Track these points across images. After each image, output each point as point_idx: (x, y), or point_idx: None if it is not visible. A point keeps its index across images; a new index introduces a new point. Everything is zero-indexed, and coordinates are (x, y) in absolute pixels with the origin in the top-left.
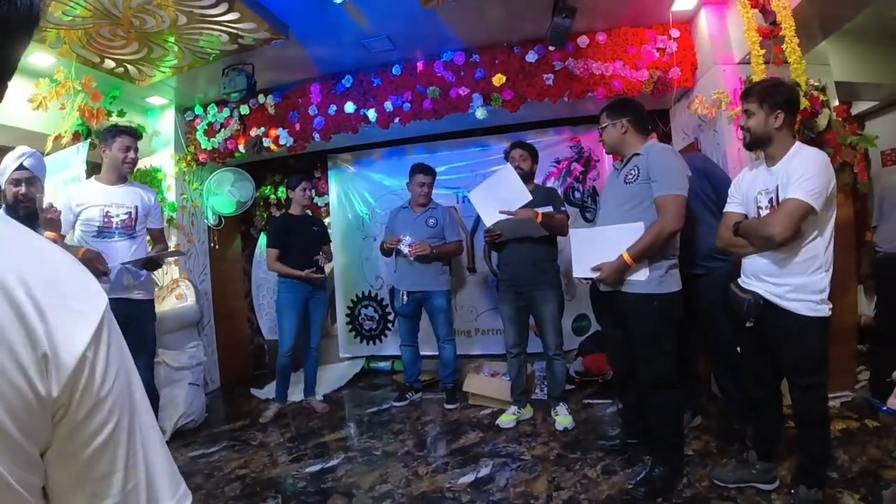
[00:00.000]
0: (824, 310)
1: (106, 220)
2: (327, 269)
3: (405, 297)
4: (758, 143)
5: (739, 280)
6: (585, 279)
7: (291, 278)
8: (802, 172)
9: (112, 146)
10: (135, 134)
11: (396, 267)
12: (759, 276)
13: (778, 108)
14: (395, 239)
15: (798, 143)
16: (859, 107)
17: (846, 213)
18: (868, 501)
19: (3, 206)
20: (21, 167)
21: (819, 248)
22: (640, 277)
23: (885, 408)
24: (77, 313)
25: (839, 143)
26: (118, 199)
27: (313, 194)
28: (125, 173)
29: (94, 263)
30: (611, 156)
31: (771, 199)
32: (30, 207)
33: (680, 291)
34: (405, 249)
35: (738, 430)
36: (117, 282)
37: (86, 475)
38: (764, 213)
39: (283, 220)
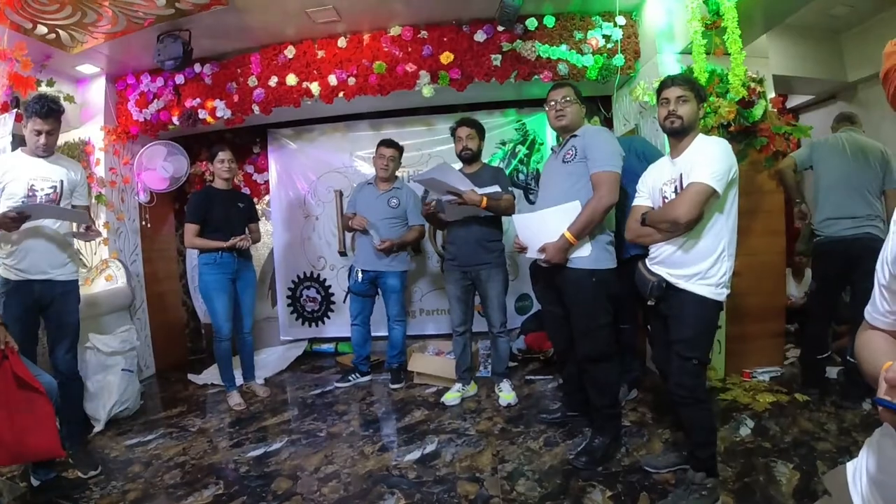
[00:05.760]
0: (722, 294)
1: (30, 193)
2: (262, 250)
3: (360, 275)
4: (685, 131)
5: (647, 260)
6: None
7: (214, 251)
8: (704, 158)
9: (27, 125)
10: (46, 115)
11: (354, 245)
12: (665, 263)
13: (702, 102)
14: (362, 222)
15: (700, 135)
16: (795, 100)
17: (777, 199)
18: (802, 470)
19: None
20: None
21: (722, 235)
22: (584, 253)
23: (880, 399)
24: None
25: (773, 132)
26: (43, 173)
27: (239, 167)
28: (39, 156)
29: (7, 219)
30: (552, 139)
31: (675, 187)
32: None
33: (616, 268)
34: (376, 241)
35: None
36: (38, 262)
37: None
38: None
39: (204, 194)
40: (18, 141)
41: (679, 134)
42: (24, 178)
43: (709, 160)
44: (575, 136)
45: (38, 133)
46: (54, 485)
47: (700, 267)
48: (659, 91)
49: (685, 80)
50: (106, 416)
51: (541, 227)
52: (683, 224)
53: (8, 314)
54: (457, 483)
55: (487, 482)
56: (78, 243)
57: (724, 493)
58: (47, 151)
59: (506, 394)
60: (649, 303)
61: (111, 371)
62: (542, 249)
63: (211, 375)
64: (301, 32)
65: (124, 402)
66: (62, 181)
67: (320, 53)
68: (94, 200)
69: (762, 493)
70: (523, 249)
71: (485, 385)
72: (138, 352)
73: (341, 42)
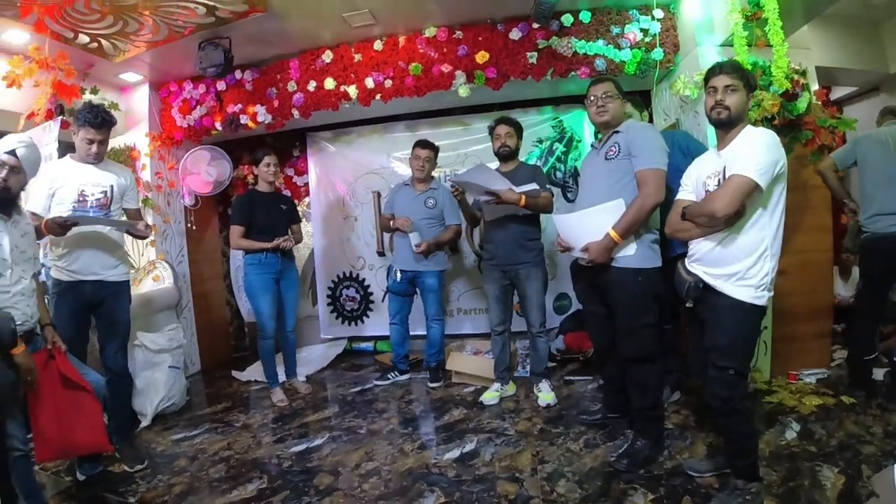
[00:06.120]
0: (763, 298)
1: (81, 198)
2: (304, 249)
3: (398, 275)
4: (732, 123)
5: (686, 258)
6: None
7: (259, 252)
8: (749, 149)
9: (78, 133)
10: (99, 126)
11: (393, 245)
12: (703, 261)
13: (752, 91)
14: (406, 223)
15: (748, 126)
16: (838, 92)
17: (823, 195)
18: (847, 474)
19: None
20: (12, 153)
21: (766, 232)
22: (629, 252)
23: None
24: None
25: (818, 126)
26: (93, 178)
27: (280, 170)
28: (89, 163)
29: (55, 225)
30: (590, 136)
31: (719, 180)
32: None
33: (661, 267)
34: (414, 244)
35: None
36: (90, 263)
37: None
38: None
39: (248, 197)
40: (63, 147)
41: (726, 125)
42: (73, 183)
43: (753, 152)
44: (617, 132)
45: (90, 142)
46: (100, 479)
47: (739, 266)
48: (706, 79)
49: (734, 67)
50: (153, 411)
51: (583, 226)
52: (721, 218)
53: (59, 314)
54: (496, 483)
55: (527, 482)
56: (127, 244)
57: (769, 498)
58: (97, 159)
59: (545, 394)
60: (687, 305)
61: (158, 368)
62: (585, 249)
63: (254, 372)
64: (338, 37)
65: (171, 398)
66: (112, 186)
67: (357, 57)
68: (140, 204)
69: (807, 497)
70: (567, 249)
71: (523, 385)
72: (184, 349)
73: (377, 45)
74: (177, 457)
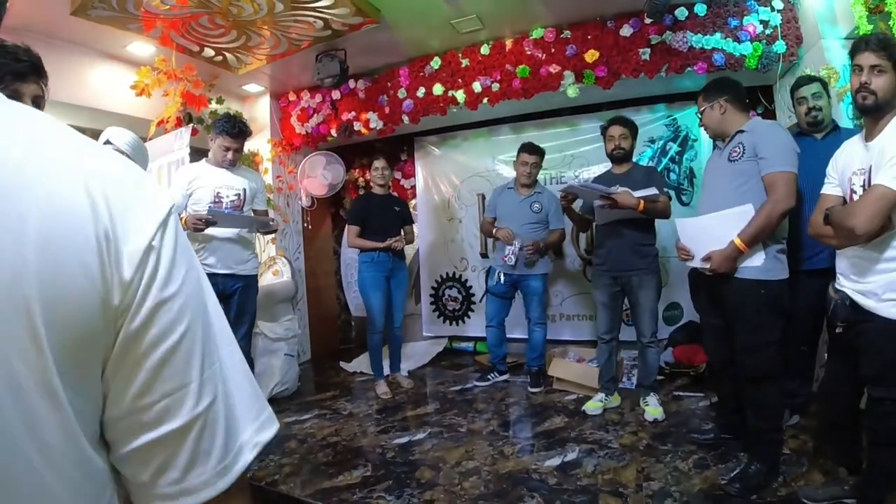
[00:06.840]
0: None
1: (216, 199)
2: (410, 249)
3: (501, 277)
4: (881, 109)
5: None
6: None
7: (373, 251)
8: (893, 151)
9: (216, 140)
10: (236, 135)
11: (496, 247)
12: (846, 273)
13: None
14: (508, 236)
15: None
16: None
17: None
18: None
19: None
20: (108, 142)
21: None
22: (756, 262)
23: None
24: (143, 201)
25: None
26: (228, 181)
27: (393, 174)
28: (223, 168)
29: (194, 222)
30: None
31: (864, 181)
32: None
33: (788, 279)
34: (511, 257)
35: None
36: (224, 258)
37: (151, 389)
38: (857, 198)
39: (364, 199)
40: (193, 153)
41: (872, 112)
42: (210, 185)
43: None
44: (742, 131)
45: (227, 149)
46: None
47: (886, 277)
48: (851, 55)
49: (882, 44)
50: (268, 394)
51: (706, 232)
52: (861, 236)
53: None
54: (599, 495)
55: (631, 499)
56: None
57: None
58: (232, 165)
59: (652, 408)
60: (837, 330)
61: (275, 355)
62: (706, 258)
63: (360, 364)
64: (446, 43)
65: (284, 384)
66: (245, 189)
67: (464, 62)
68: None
69: None
70: (689, 257)
71: (628, 397)
72: (298, 339)
73: (484, 49)
74: (288, 438)
